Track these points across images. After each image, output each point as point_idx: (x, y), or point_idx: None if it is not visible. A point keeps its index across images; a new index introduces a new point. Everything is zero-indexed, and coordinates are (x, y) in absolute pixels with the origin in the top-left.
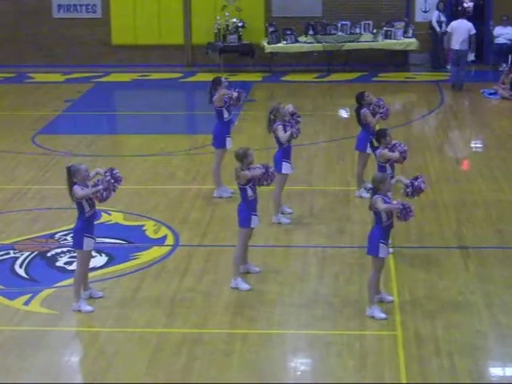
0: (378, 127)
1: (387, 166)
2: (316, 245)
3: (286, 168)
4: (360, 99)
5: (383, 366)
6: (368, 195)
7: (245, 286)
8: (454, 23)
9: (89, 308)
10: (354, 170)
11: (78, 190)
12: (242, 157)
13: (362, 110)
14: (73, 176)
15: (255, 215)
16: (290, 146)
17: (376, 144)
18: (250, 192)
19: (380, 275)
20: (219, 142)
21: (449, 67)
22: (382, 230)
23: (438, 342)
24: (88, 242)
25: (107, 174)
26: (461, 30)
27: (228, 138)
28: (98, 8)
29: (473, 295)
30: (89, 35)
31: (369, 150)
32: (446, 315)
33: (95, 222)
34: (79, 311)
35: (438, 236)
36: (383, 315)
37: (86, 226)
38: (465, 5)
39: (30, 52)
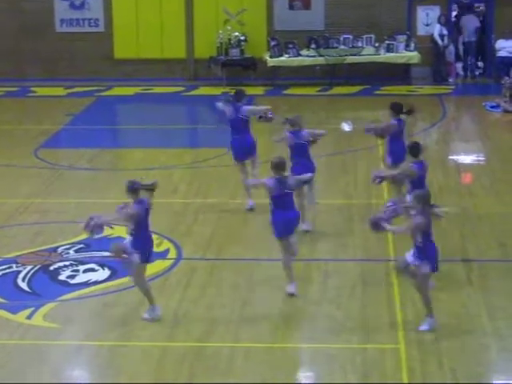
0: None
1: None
2: (319, 258)
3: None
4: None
5: (386, 380)
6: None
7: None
8: (463, 18)
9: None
10: (357, 183)
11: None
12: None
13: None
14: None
15: None
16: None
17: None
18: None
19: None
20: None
21: (451, 80)
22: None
23: (440, 355)
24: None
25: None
26: (469, 24)
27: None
28: (100, 22)
29: (476, 308)
30: (91, 49)
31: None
32: (449, 328)
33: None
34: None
35: (441, 249)
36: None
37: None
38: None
39: (33, 66)
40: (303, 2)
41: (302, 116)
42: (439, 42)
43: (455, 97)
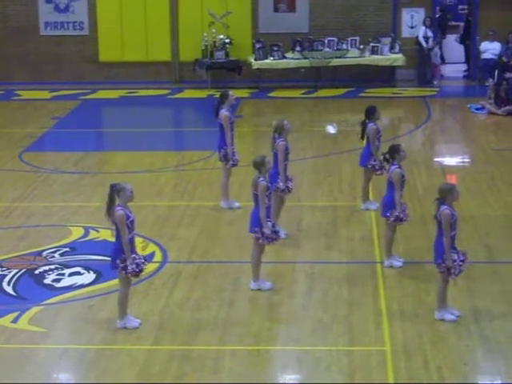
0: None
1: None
2: (304, 260)
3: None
4: (370, 114)
5: (372, 382)
6: (373, 207)
7: (267, 285)
8: None
9: (136, 323)
10: (342, 185)
11: (119, 216)
12: (260, 165)
13: (370, 125)
14: (117, 195)
15: (269, 221)
16: (286, 163)
17: (390, 160)
18: (266, 200)
19: (448, 285)
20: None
21: (435, 82)
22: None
23: (426, 356)
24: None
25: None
26: None
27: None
28: (85, 25)
29: (461, 310)
30: (76, 52)
31: (377, 168)
32: (435, 330)
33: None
34: (125, 328)
35: (426, 251)
36: (453, 316)
37: (124, 248)
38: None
39: (17, 69)
40: (288, 5)
41: (287, 119)
42: (424, 44)
43: (440, 99)
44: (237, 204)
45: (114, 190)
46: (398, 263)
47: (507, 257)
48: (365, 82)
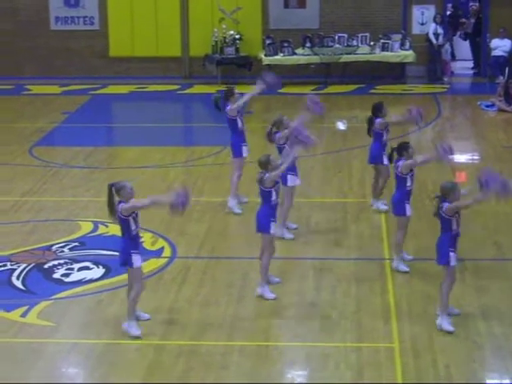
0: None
1: (408, 177)
2: (313, 257)
3: (291, 180)
4: (377, 110)
5: (380, 378)
6: (384, 207)
7: (270, 295)
8: None
9: (137, 332)
10: (352, 182)
11: (126, 205)
12: (266, 164)
13: (378, 120)
14: (117, 194)
15: (274, 221)
16: (295, 158)
17: (397, 157)
18: (273, 195)
19: (453, 286)
20: (237, 152)
21: (446, 79)
22: (450, 238)
23: (434, 353)
24: (137, 259)
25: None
26: None
27: (244, 147)
28: (95, 20)
29: (469, 307)
30: (86, 47)
31: (386, 162)
32: None
33: None
34: (128, 333)
35: (435, 248)
36: (451, 328)
37: (132, 243)
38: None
39: (28, 64)
40: (298, 1)
41: (297, 115)
42: (434, 40)
43: (450, 96)
44: (245, 199)
45: (114, 190)
46: (404, 268)
47: None
48: (375, 78)
